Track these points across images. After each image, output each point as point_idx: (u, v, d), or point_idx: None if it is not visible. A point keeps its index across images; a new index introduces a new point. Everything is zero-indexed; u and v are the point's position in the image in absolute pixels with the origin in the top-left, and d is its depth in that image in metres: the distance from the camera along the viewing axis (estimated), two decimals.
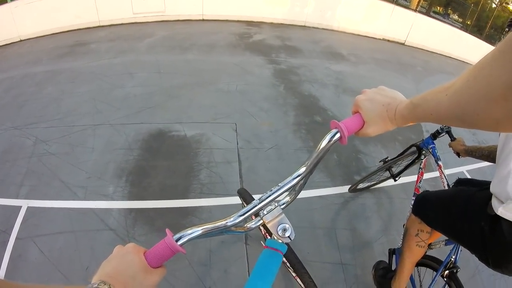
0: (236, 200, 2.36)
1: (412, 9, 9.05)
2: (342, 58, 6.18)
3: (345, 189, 2.75)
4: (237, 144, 3.08)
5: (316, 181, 2.84)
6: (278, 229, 0.73)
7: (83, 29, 6.07)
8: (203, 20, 6.68)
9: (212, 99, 3.81)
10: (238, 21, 6.99)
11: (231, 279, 1.98)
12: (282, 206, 0.79)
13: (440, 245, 1.71)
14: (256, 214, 0.74)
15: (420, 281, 1.79)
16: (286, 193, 0.81)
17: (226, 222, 0.70)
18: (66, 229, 2.21)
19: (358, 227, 2.43)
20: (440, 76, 6.55)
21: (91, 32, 5.97)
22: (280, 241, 0.73)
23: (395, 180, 2.41)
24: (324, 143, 0.74)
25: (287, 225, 0.73)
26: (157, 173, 2.68)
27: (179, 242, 0.66)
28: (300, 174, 0.76)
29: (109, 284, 0.54)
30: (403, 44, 8.53)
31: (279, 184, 0.74)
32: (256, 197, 2.35)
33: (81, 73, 4.33)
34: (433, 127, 2.16)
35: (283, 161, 3.01)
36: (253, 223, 0.78)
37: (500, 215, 1.09)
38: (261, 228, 1.41)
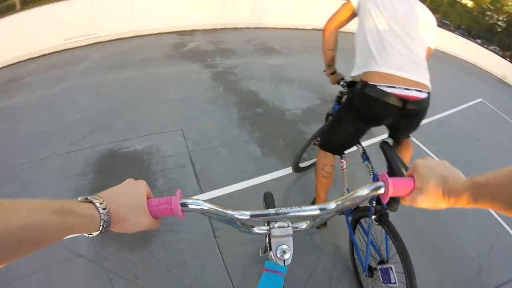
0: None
1: None
2: (275, 52, 6.36)
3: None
4: (187, 148, 3.10)
5: (267, 166, 2.95)
6: (278, 248, 0.69)
7: (14, 64, 5.68)
8: (136, 36, 6.51)
9: (155, 111, 3.77)
10: (170, 32, 6.90)
11: (210, 272, 2.03)
12: (294, 229, 0.72)
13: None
14: (268, 223, 0.71)
15: (360, 235, 1.96)
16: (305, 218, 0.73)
17: (234, 214, 0.67)
18: (35, 268, 2.07)
19: (309, 199, 2.57)
20: None
21: (23, 65, 5.59)
22: (275, 261, 0.69)
23: None
24: (363, 192, 0.65)
25: (288, 249, 0.69)
26: None
27: (183, 208, 0.64)
28: (326, 208, 0.68)
29: (103, 202, 0.54)
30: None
31: (302, 207, 0.68)
32: (223, 191, 2.38)
33: (20, 109, 4.05)
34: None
35: (233, 155, 3.10)
36: (260, 229, 0.74)
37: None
38: (266, 238, 1.22)
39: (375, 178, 1.86)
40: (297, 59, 6.17)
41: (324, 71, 2.17)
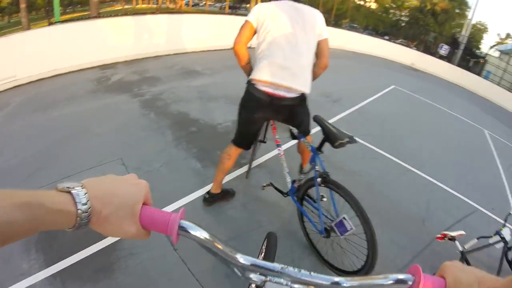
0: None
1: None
2: (198, 74, 6.58)
3: (236, 173, 3.17)
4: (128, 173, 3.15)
5: (210, 176, 3.19)
6: None
7: None
8: (57, 75, 6.20)
9: (89, 147, 3.68)
10: (92, 67, 6.68)
11: (179, 282, 2.15)
12: None
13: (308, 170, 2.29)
14: (265, 275, 0.60)
15: (307, 206, 2.33)
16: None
17: (237, 257, 0.59)
18: None
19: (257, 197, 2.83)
20: None
21: None
22: None
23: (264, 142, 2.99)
24: (387, 281, 0.57)
25: None
26: (61, 233, 2.58)
27: (180, 231, 0.56)
28: (340, 284, 0.58)
29: (86, 194, 0.45)
30: (249, 47, 9.44)
31: (312, 273, 0.58)
32: (173, 207, 2.50)
33: None
34: None
35: (176, 172, 3.25)
36: (256, 278, 0.60)
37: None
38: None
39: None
40: (220, 78, 6.48)
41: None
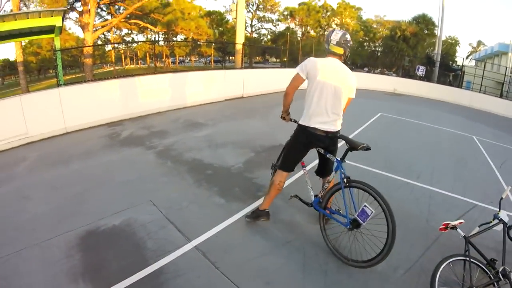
0: (183, 250, 2.90)
1: (239, 68, 11.16)
2: (202, 125, 7.15)
3: (255, 203, 3.57)
4: (161, 212, 3.47)
5: (234, 208, 3.57)
6: None
7: None
8: (67, 133, 6.62)
9: (117, 193, 3.98)
10: (99, 125, 7.17)
11: None
12: None
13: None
14: None
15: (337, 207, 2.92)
16: None
17: None
18: None
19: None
20: (278, 108, 8.28)
21: None
22: None
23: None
24: None
25: None
26: (109, 262, 2.78)
27: None
28: None
29: None
30: (241, 97, 10.33)
31: None
32: (207, 235, 2.82)
33: None
34: None
35: (203, 208, 3.63)
36: None
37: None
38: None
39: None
40: (222, 127, 7.07)
41: (281, 116, 3.33)
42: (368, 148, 2.58)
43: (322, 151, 3.00)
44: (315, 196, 3.10)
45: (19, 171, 4.93)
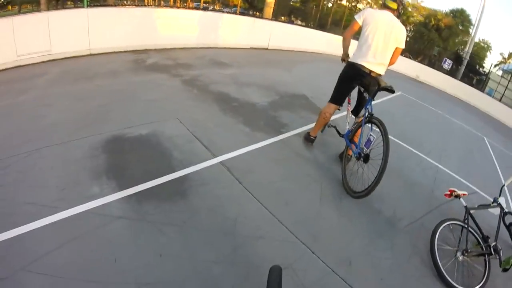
0: (208, 163, 2.89)
1: (267, 19, 10.77)
2: (227, 65, 6.95)
3: (279, 137, 3.70)
4: (188, 130, 3.42)
5: (259, 137, 3.61)
6: None
7: None
8: (90, 54, 6.51)
9: (143, 107, 3.94)
10: (124, 51, 7.02)
11: (246, 206, 2.40)
12: None
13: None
14: None
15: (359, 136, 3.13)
16: None
17: None
18: (64, 240, 1.94)
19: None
20: (301, 65, 8.05)
21: None
22: None
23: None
24: None
25: None
26: (134, 165, 2.77)
27: None
28: None
29: None
30: (266, 48, 10.03)
31: None
32: (231, 155, 2.85)
33: None
34: None
35: (229, 132, 3.66)
36: None
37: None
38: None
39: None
40: (247, 70, 6.89)
41: (342, 58, 3.45)
42: (392, 90, 2.90)
43: (362, 89, 3.20)
44: (349, 130, 3.39)
45: (39, 83, 4.86)
